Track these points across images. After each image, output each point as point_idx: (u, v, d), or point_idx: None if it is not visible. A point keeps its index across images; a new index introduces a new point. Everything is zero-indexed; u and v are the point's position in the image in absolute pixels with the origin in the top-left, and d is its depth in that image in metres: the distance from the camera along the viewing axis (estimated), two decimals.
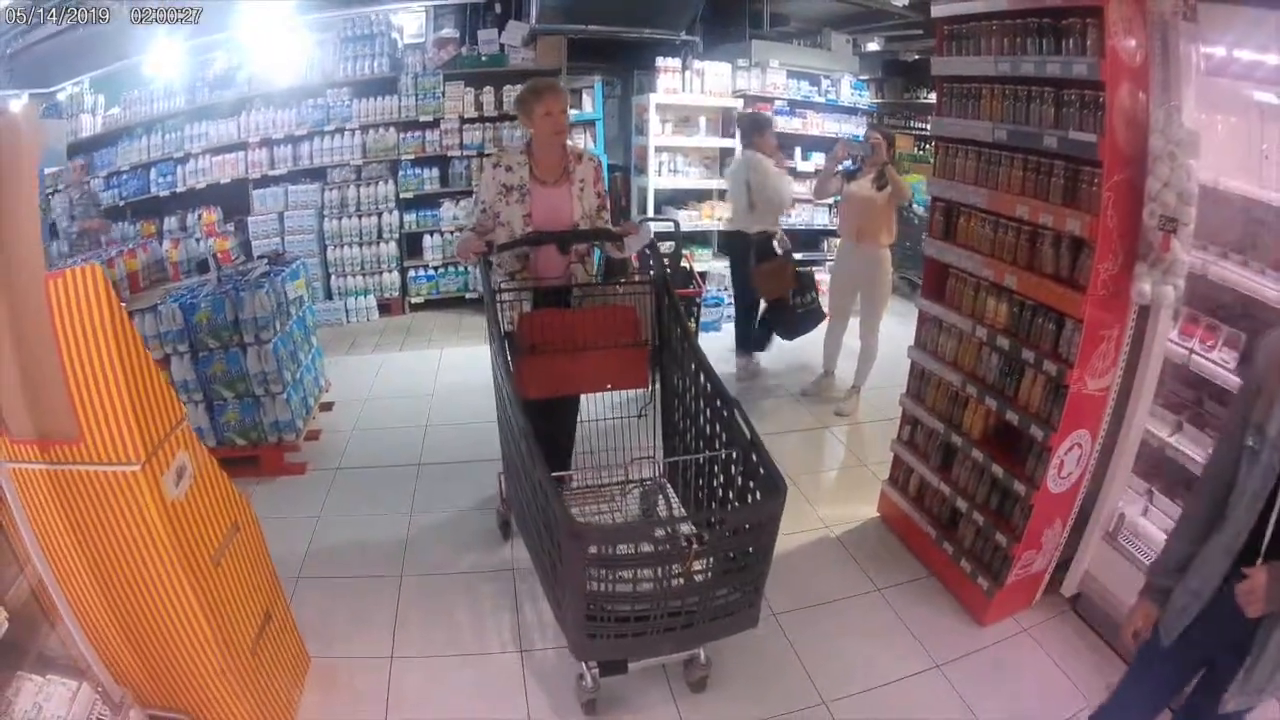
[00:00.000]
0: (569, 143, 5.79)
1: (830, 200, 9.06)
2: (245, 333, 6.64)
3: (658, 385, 5.59)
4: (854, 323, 8.56)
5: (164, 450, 3.32)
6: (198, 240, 9.85)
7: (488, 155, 10.87)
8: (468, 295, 11.68)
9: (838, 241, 9.04)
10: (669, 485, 5.60)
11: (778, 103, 11.90)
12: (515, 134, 11.17)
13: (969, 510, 5.28)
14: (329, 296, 11.18)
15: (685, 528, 4.33)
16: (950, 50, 5.23)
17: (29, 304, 3.03)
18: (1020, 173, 4.76)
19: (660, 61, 11.05)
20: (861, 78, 13.09)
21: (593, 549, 3.65)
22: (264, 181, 10.89)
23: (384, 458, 7.26)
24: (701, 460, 4.91)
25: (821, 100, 12.46)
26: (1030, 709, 4.47)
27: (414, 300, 11.68)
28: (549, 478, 3.83)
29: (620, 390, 5.50)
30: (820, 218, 12.32)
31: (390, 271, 11.43)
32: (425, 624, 5.06)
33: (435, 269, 11.60)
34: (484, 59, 11.28)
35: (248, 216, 10.80)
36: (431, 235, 11.49)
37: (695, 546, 3.74)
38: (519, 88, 10.93)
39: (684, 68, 11.20)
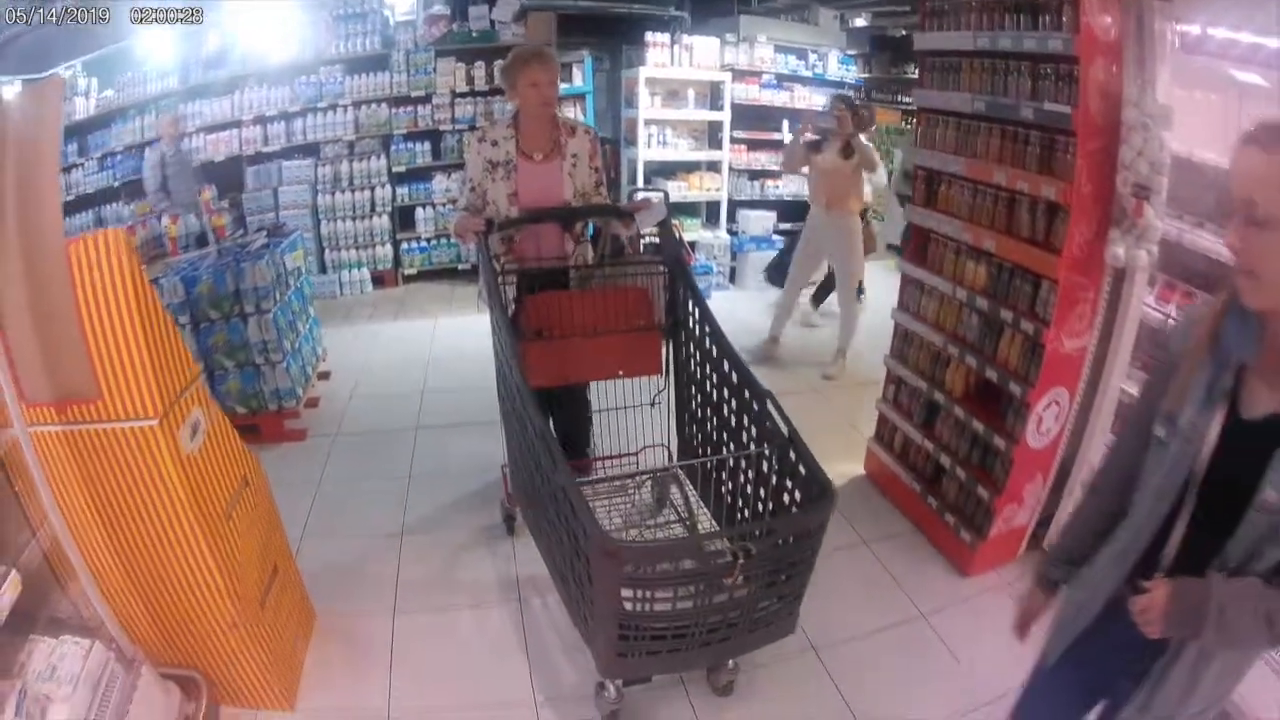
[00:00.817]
0: (561, 115, 5.44)
1: (802, 171, 9.14)
2: (246, 303, 6.76)
3: (671, 371, 5.25)
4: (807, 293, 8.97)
5: (180, 406, 3.45)
6: (196, 215, 9.95)
7: (474, 129, 10.92)
8: (460, 266, 11.85)
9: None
10: (683, 475, 5.26)
11: (765, 77, 12.05)
12: (506, 107, 11.17)
13: (952, 465, 5.45)
14: (323, 270, 11.31)
15: (720, 543, 3.98)
16: (932, 25, 5.39)
17: (49, 270, 3.14)
18: (998, 141, 4.93)
19: (649, 36, 11.12)
20: (849, 52, 13.21)
21: (629, 568, 3.33)
22: (258, 158, 10.99)
23: (382, 422, 7.40)
24: (731, 459, 4.51)
25: (809, 74, 12.57)
26: (1013, 658, 4.58)
27: (407, 272, 11.85)
28: (574, 485, 3.47)
29: (632, 377, 5.17)
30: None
31: (383, 244, 11.59)
32: (426, 579, 5.19)
33: (427, 241, 11.77)
34: (475, 35, 11.40)
35: (242, 193, 10.90)
36: (424, 208, 11.65)
37: (741, 561, 3.29)
38: None
39: (673, 42, 11.26)
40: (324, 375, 8.33)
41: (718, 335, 4.64)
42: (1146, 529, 2.41)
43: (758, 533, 3.55)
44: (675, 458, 5.41)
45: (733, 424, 4.55)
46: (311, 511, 5.86)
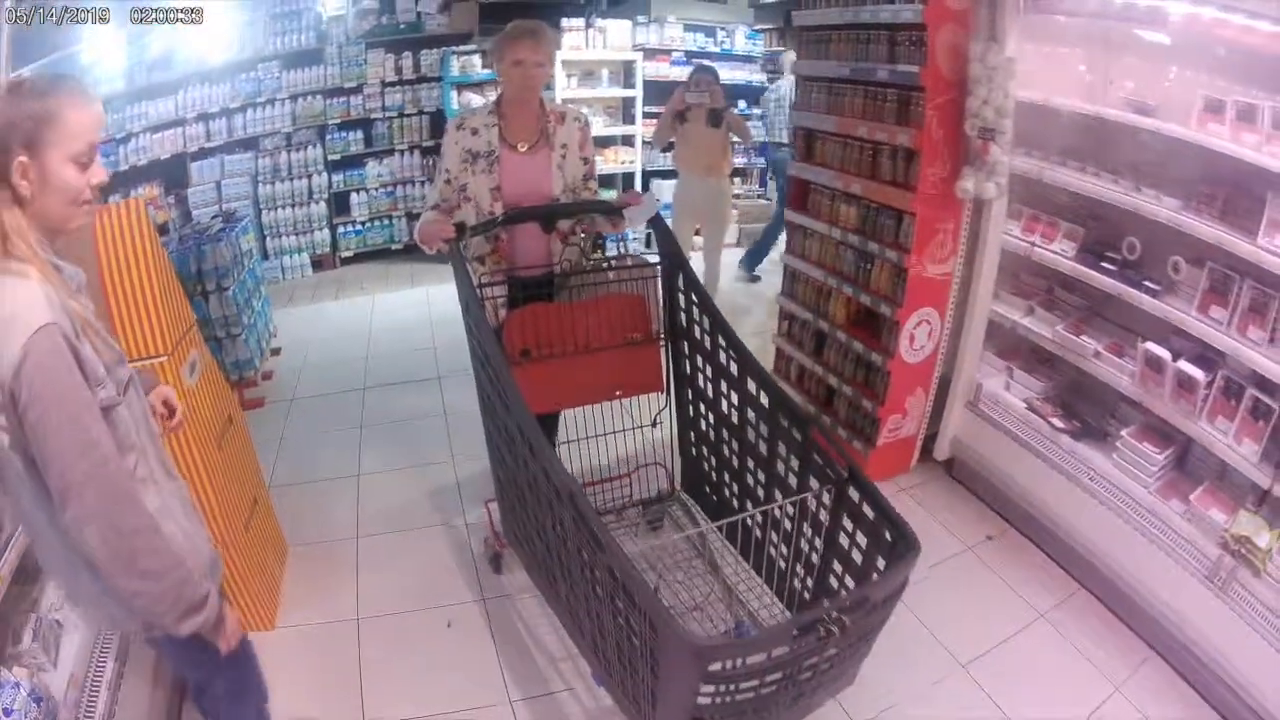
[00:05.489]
0: (550, 101, 4.83)
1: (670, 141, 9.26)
2: (207, 282, 7.28)
3: (670, 385, 4.81)
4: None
5: (182, 346, 4.08)
6: (154, 209, 10.34)
7: (452, 118, 11.35)
8: (393, 246, 12.36)
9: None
10: (687, 497, 5.05)
11: (675, 54, 12.57)
12: (432, 94, 11.93)
13: (840, 385, 6.14)
14: (265, 257, 11.51)
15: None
16: (808, 4, 6.07)
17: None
18: (861, 101, 5.64)
19: (565, 22, 11.58)
20: (757, 28, 13.69)
21: (716, 666, 2.67)
22: (201, 154, 11.09)
23: (332, 387, 7.93)
24: (780, 510, 3.88)
25: (717, 50, 13.11)
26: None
27: (344, 255, 12.22)
28: (637, 574, 2.88)
29: (630, 396, 4.70)
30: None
31: (321, 229, 11.93)
32: (384, 506, 5.84)
33: (362, 224, 12.22)
34: (402, 26, 11.84)
35: (187, 189, 11.00)
36: (358, 193, 12.08)
37: (838, 634, 2.73)
38: (435, 52, 11.52)
39: (587, 26, 11.75)
40: (275, 351, 8.80)
41: (737, 347, 4.19)
42: None
43: (849, 604, 2.87)
44: (678, 480, 5.14)
45: (763, 451, 4.14)
46: (276, 464, 6.35)
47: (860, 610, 2.86)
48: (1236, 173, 3.92)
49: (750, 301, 9.55)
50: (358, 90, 11.79)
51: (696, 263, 8.96)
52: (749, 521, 4.16)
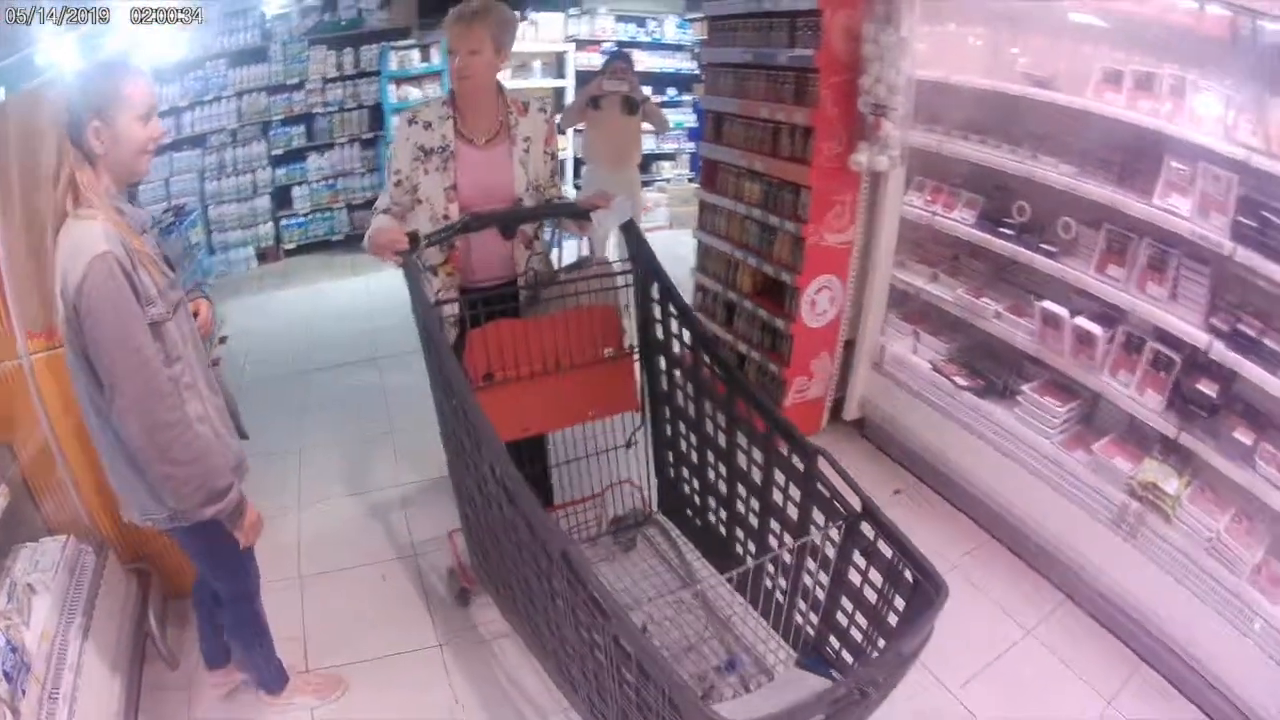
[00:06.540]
0: (510, 91, 4.36)
1: (579, 127, 9.59)
2: None
3: (645, 401, 4.56)
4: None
5: None
6: None
7: (404, 111, 10.87)
8: (334, 238, 12.55)
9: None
10: (665, 519, 4.85)
11: (606, 44, 12.83)
12: (371, 88, 12.18)
13: (749, 351, 6.50)
14: (211, 251, 11.63)
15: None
16: None
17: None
18: (763, 84, 6.03)
19: None
20: (687, 17, 13.76)
21: None
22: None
23: (279, 370, 8.33)
24: (788, 554, 3.58)
25: (648, 40, 13.42)
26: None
27: (288, 247, 12.37)
28: (645, 640, 2.67)
29: (604, 417, 4.44)
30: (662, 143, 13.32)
31: (265, 223, 12.10)
32: (324, 476, 6.22)
33: (305, 216, 12.39)
34: (343, 23, 12.02)
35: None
36: (300, 186, 12.27)
37: (873, 695, 2.61)
38: (374, 47, 11.71)
39: (521, 19, 11.90)
40: (222, 339, 8.87)
41: (724, 364, 4.00)
42: None
43: (885, 669, 2.78)
44: (654, 502, 4.87)
45: (756, 479, 3.93)
46: None
47: (895, 670, 2.80)
48: (1134, 138, 4.25)
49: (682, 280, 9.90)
50: (300, 86, 11.95)
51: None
52: (746, 560, 3.97)
